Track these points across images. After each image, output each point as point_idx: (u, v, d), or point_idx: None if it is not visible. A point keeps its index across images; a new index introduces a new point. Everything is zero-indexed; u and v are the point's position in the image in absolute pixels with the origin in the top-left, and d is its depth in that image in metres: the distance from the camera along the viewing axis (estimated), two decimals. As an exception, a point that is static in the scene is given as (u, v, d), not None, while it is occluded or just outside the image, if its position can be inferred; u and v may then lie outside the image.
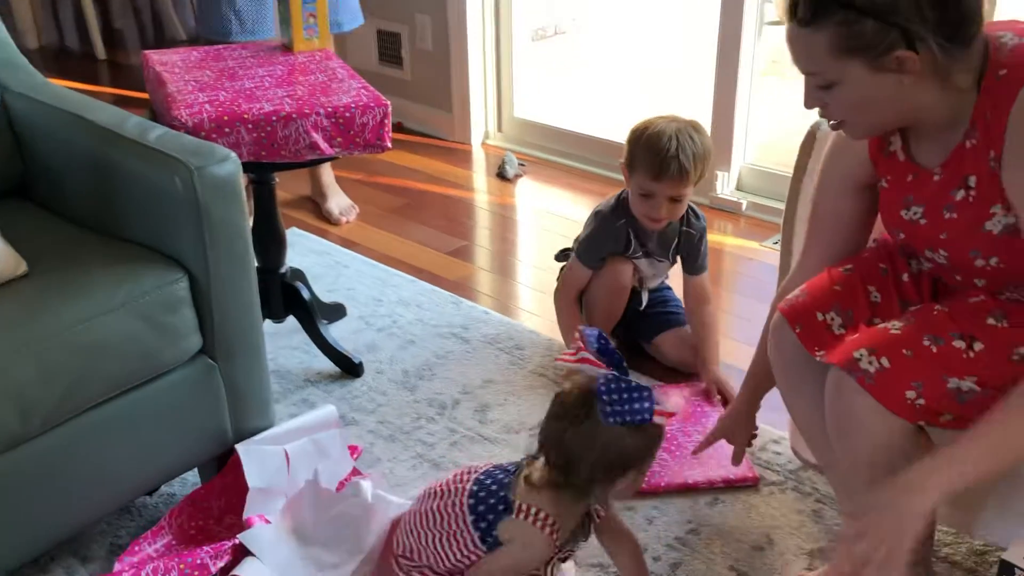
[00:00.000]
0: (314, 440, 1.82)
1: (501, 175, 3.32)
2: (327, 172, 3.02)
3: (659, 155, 2.00)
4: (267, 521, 1.70)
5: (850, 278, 1.50)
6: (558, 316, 2.28)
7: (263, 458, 1.74)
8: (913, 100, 1.30)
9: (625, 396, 1.36)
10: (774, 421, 2.04)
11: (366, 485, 1.73)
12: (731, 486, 1.87)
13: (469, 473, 1.53)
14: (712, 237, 2.92)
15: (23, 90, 1.87)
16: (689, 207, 2.16)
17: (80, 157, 1.76)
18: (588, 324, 2.08)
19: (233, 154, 1.64)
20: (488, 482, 1.50)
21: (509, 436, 2.03)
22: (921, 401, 1.34)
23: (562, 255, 2.34)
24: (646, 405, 1.36)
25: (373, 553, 1.63)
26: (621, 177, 2.14)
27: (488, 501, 1.47)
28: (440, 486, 1.54)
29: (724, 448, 1.84)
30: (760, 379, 1.72)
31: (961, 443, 1.29)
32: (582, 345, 1.43)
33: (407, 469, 1.95)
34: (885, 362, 1.35)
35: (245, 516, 1.69)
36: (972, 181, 1.35)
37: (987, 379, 1.33)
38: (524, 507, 1.44)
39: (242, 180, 1.68)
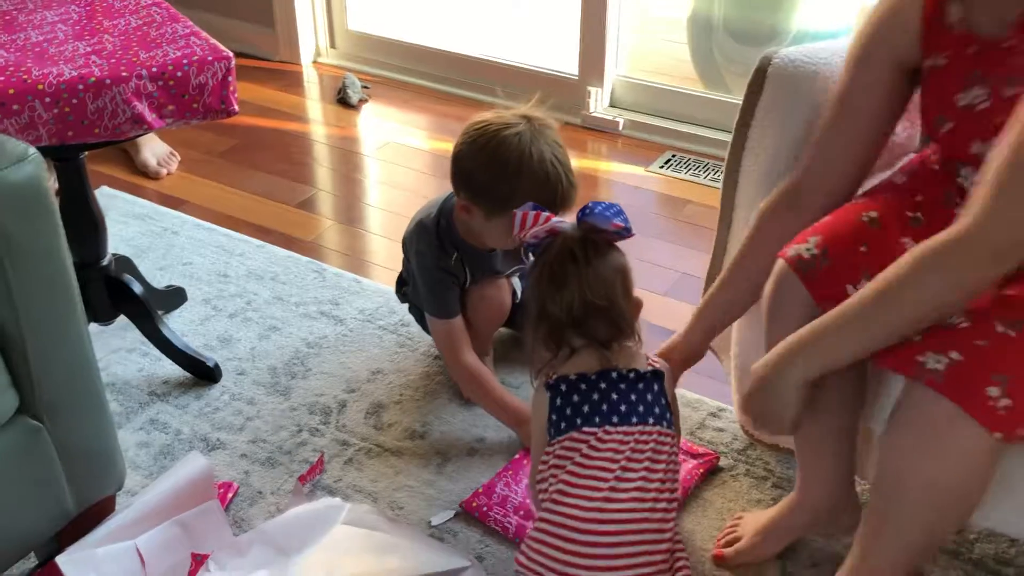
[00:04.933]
0: (181, 523, 1.42)
1: (343, 101, 2.89)
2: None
3: (554, 188, 1.53)
4: None
5: (879, 235, 1.27)
6: (464, 385, 1.74)
7: (100, 565, 1.34)
8: None
9: (612, 207, 1.34)
10: (712, 391, 1.81)
11: None
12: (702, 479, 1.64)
13: None
14: (587, 163, 2.65)
15: None
16: None
17: None
18: (475, 342, 1.74)
19: (32, 149, 1.19)
20: None
21: (414, 443, 1.71)
22: (1007, 402, 1.09)
23: (402, 290, 1.86)
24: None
25: None
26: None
27: None
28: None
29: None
30: (715, 320, 1.51)
31: (829, 314, 1.19)
32: (528, 218, 1.36)
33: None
34: (955, 355, 1.11)
35: None
36: None
37: None
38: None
39: (47, 176, 1.24)
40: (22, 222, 1.19)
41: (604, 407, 1.34)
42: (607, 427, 1.33)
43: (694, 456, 1.67)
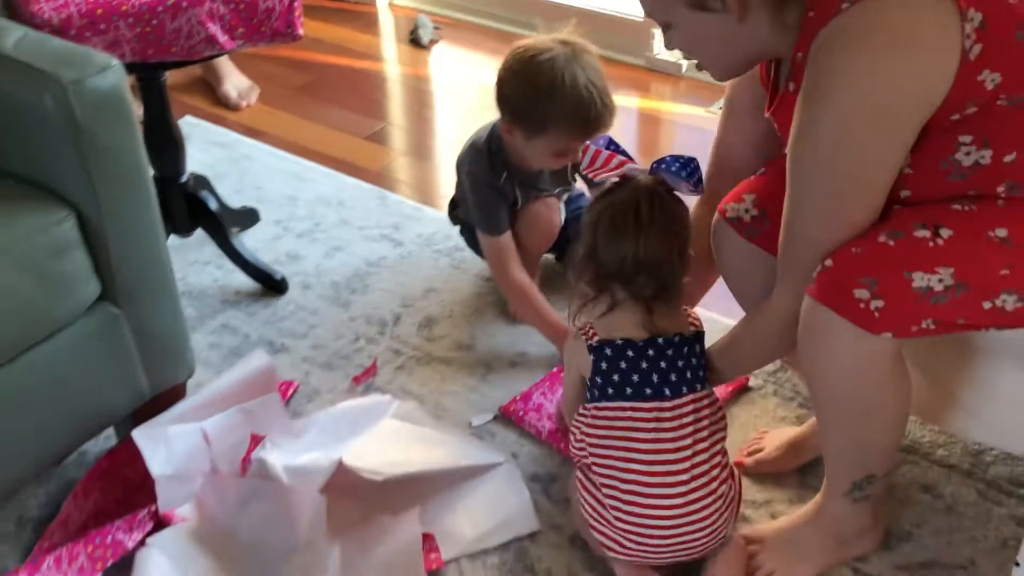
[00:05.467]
0: (245, 411, 1.56)
1: (415, 41, 3.00)
2: (220, 50, 2.66)
3: (587, 112, 1.60)
4: (181, 519, 1.46)
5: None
6: (511, 299, 1.84)
7: (170, 440, 1.48)
8: (750, 38, 1.23)
9: (688, 165, 1.33)
10: (733, 312, 1.88)
11: (273, 459, 1.47)
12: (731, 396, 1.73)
13: None
14: (650, 104, 2.72)
15: None
16: None
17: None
18: (524, 264, 1.80)
19: (115, 60, 1.33)
20: None
21: (461, 354, 1.84)
22: (879, 303, 1.16)
23: (454, 212, 1.97)
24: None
25: (312, 540, 1.40)
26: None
27: None
28: None
29: None
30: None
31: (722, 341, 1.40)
32: (600, 157, 1.35)
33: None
34: (828, 263, 1.19)
35: (160, 509, 1.46)
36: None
37: (963, 271, 1.16)
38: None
39: (128, 88, 1.38)
40: (105, 124, 1.33)
41: (654, 377, 1.34)
42: (662, 402, 1.33)
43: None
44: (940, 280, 1.15)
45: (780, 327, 1.29)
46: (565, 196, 1.92)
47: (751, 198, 1.40)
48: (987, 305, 1.17)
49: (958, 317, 1.18)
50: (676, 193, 1.36)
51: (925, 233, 1.17)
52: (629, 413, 1.34)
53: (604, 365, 1.35)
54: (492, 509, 1.53)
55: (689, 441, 1.33)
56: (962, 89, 1.12)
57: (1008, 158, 1.18)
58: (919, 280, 1.15)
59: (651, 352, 1.35)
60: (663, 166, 1.33)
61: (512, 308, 1.89)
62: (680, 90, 2.75)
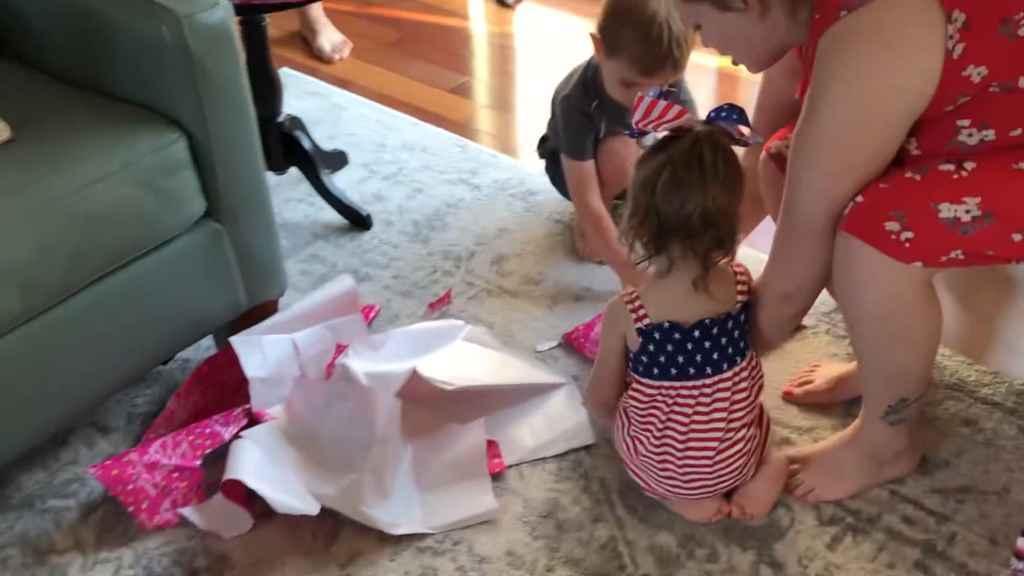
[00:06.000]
0: (331, 326, 1.72)
1: (501, 1, 3.11)
2: (316, 5, 2.81)
3: (652, 48, 1.67)
4: (271, 418, 1.62)
5: None
6: (586, 223, 1.92)
7: (264, 348, 1.64)
8: (773, 33, 1.34)
9: (739, 112, 1.34)
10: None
11: (355, 365, 1.60)
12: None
13: None
14: (726, 62, 2.77)
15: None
16: None
17: (55, 6, 1.59)
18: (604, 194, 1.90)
19: (223, -3, 1.49)
20: None
21: (529, 288, 1.96)
22: (909, 235, 1.24)
23: (542, 146, 2.09)
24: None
25: (388, 437, 1.54)
26: None
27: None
28: None
29: None
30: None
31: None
32: (657, 104, 1.33)
33: (427, 325, 1.88)
34: (859, 198, 1.27)
35: (253, 408, 1.62)
36: None
37: (990, 200, 1.23)
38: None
39: (235, 23, 1.53)
40: (213, 55, 1.48)
41: (698, 357, 1.39)
42: (705, 379, 1.39)
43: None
44: (967, 211, 1.23)
45: (770, 304, 1.42)
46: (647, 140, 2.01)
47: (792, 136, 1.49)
48: (1017, 237, 1.24)
49: (986, 248, 1.26)
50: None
51: (949, 167, 1.26)
52: (672, 392, 1.41)
53: (652, 347, 1.40)
54: (552, 423, 1.65)
55: (724, 415, 1.42)
56: (949, 84, 1.22)
57: (1014, 132, 1.25)
58: (946, 211, 1.23)
59: (697, 333, 1.39)
60: (721, 115, 1.34)
61: (578, 245, 2.00)
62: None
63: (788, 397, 1.69)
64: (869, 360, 1.42)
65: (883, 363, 1.41)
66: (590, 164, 1.88)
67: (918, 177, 1.26)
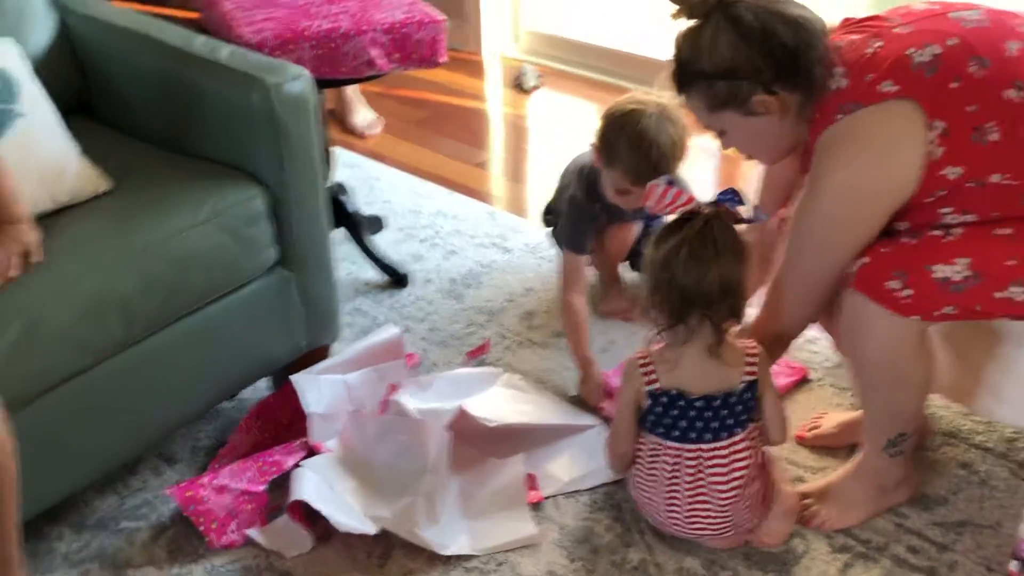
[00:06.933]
0: (378, 370, 1.88)
1: (519, 86, 3.35)
2: (352, 86, 3.04)
3: (643, 161, 1.79)
4: (328, 450, 1.77)
5: None
6: (564, 312, 2.01)
7: (320, 387, 1.80)
8: (790, 131, 1.52)
9: (736, 193, 1.48)
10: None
11: (407, 401, 1.78)
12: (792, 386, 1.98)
13: None
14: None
15: (83, 10, 1.89)
16: None
17: (148, 76, 1.80)
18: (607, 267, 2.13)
19: (305, 71, 1.69)
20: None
21: (557, 340, 2.13)
22: (908, 292, 1.43)
23: (547, 215, 2.24)
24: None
25: (439, 466, 1.68)
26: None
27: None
28: None
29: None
30: None
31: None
32: (669, 191, 1.47)
33: (465, 373, 2.04)
34: (864, 259, 1.47)
35: (311, 441, 1.77)
36: None
37: (977, 262, 1.41)
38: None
39: (313, 93, 1.73)
40: (295, 121, 1.68)
41: (699, 424, 1.54)
42: (702, 445, 1.54)
43: (789, 367, 2.01)
44: (957, 271, 1.42)
45: (764, 342, 1.59)
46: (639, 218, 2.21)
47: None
48: (998, 295, 1.43)
49: (975, 304, 1.44)
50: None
51: (938, 232, 1.46)
52: (673, 451, 1.57)
53: (659, 409, 1.56)
54: (584, 460, 1.81)
55: (723, 478, 1.56)
56: (929, 181, 1.43)
57: (993, 214, 1.46)
58: (939, 271, 1.42)
59: (700, 404, 1.53)
60: (727, 198, 1.49)
61: (600, 307, 2.18)
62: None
63: (800, 440, 1.85)
64: (871, 400, 1.60)
65: (884, 403, 1.59)
66: (582, 259, 2.03)
67: (914, 241, 1.46)
